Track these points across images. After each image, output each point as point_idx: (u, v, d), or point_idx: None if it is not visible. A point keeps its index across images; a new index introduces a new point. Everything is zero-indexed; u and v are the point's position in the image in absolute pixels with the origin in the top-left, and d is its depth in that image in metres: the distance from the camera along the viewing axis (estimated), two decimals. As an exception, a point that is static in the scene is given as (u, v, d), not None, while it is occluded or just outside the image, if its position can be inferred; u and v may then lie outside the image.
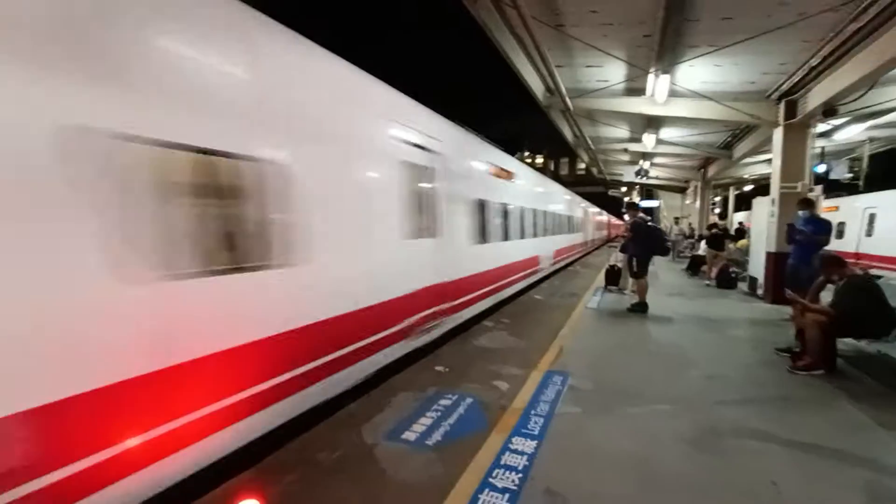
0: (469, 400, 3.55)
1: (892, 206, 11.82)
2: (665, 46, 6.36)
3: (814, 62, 6.39)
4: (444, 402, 3.50)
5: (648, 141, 11.99)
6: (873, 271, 9.94)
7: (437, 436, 2.98)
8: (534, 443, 2.89)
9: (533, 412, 3.34)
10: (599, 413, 3.41)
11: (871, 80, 6.15)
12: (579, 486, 2.48)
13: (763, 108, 8.32)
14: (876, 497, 2.44)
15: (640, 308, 7.14)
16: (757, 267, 8.84)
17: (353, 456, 2.79)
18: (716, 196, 22.70)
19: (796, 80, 7.18)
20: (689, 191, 21.86)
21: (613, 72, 7.89)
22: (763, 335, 5.82)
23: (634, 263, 7.36)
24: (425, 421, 3.17)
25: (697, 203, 19.29)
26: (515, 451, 2.78)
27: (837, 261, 4.55)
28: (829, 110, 7.08)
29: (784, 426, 3.24)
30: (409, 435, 2.99)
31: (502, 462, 2.67)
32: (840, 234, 13.31)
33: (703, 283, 10.63)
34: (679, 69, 7.31)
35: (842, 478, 2.62)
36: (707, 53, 6.48)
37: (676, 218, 18.58)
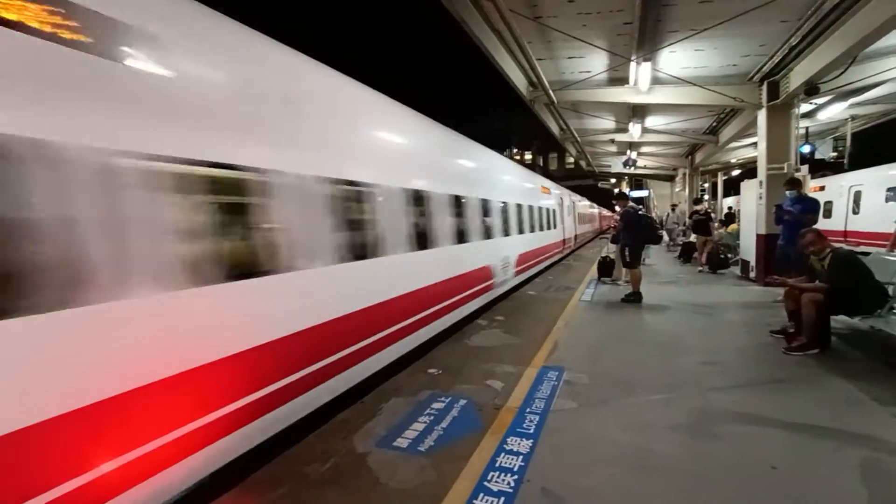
0: (462, 401, 3.47)
1: (876, 184, 11.90)
2: (645, 33, 6.33)
3: (793, 41, 6.39)
4: (437, 405, 3.42)
5: (634, 130, 12.00)
6: (861, 248, 10.01)
7: (430, 440, 2.90)
8: (529, 442, 2.82)
9: (528, 410, 3.28)
10: (595, 406, 3.35)
11: (850, 56, 6.17)
12: (576, 483, 2.41)
13: (746, 90, 8.33)
14: (875, 475, 2.41)
15: (635, 298, 7.10)
16: (748, 250, 8.85)
17: (345, 465, 2.70)
18: (704, 182, 22.79)
19: (777, 60, 7.19)
20: (678, 178, 21.95)
21: (595, 62, 7.86)
22: (757, 318, 5.80)
23: (627, 253, 7.32)
24: (418, 426, 3.09)
25: (686, 190, 19.36)
26: (510, 452, 2.70)
27: (820, 234, 4.54)
28: (810, 89, 7.08)
29: (781, 408, 3.20)
30: (402, 441, 2.90)
31: (497, 464, 2.59)
32: (828, 214, 13.39)
33: (696, 270, 10.64)
34: (661, 56, 7.30)
35: (841, 457, 2.58)
36: (687, 38, 6.46)
37: (673, 205, 18.53)
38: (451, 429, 3.05)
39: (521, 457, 2.65)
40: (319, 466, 2.69)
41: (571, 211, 17.24)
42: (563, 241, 14.67)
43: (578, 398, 3.50)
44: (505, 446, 2.78)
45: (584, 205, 23.93)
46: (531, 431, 2.95)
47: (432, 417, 3.22)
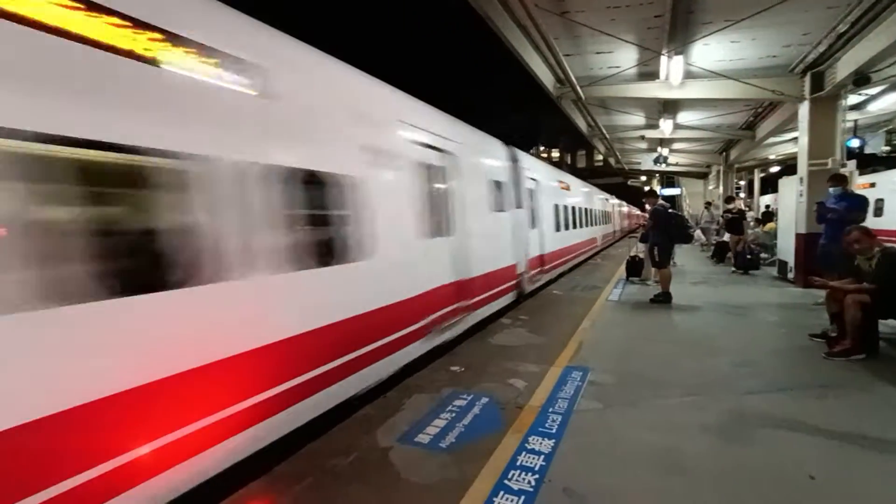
0: (484, 399, 3.46)
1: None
2: (677, 26, 6.11)
3: (841, 28, 6.02)
4: (458, 402, 3.42)
5: (665, 126, 11.63)
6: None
7: (451, 437, 2.91)
8: (551, 441, 2.78)
9: (551, 410, 3.23)
10: (621, 407, 3.28)
11: (906, 43, 5.76)
12: (599, 484, 2.36)
13: (786, 82, 7.92)
14: (928, 491, 2.25)
15: (664, 298, 6.89)
16: (786, 250, 8.44)
17: (368, 460, 2.74)
18: (740, 180, 21.83)
19: (822, 49, 6.80)
20: (711, 175, 21.13)
21: (624, 56, 7.64)
22: (795, 320, 5.53)
23: (656, 252, 7.11)
24: (440, 423, 3.10)
25: (720, 188, 18.61)
26: (532, 451, 2.68)
27: (868, 231, 4.28)
28: (860, 79, 6.66)
29: (821, 414, 3.04)
30: (424, 437, 2.92)
31: (518, 462, 2.57)
32: (878, 212, 12.59)
33: (729, 270, 10.23)
34: (693, 48, 7.03)
35: (888, 469, 2.43)
36: (722, 29, 6.19)
37: (707, 203, 17.81)
38: (472, 426, 3.05)
39: (542, 456, 2.62)
40: (343, 460, 2.74)
41: (530, 199, 8.42)
42: (466, 287, 5.47)
43: (603, 399, 3.43)
44: (526, 445, 2.75)
45: (580, 192, 14.55)
46: (553, 431, 2.91)
47: (454, 414, 3.22)
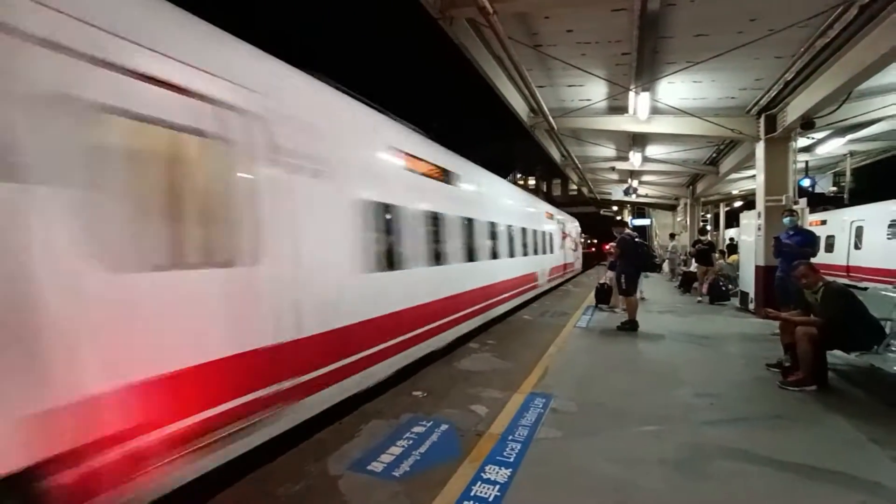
0: (444, 426, 3.36)
1: (878, 219, 11.87)
2: (643, 64, 6.43)
3: (788, 77, 6.48)
4: (417, 429, 3.32)
5: (635, 159, 12.09)
6: (863, 284, 9.90)
7: (406, 465, 2.80)
8: (508, 471, 2.71)
9: (510, 438, 3.16)
10: (581, 436, 3.24)
11: (843, 93, 6.23)
12: (554, 518, 2.30)
13: (744, 122, 8.41)
14: (872, 522, 2.28)
15: (630, 326, 6.99)
16: (747, 281, 8.77)
17: (316, 488, 2.60)
18: (706, 213, 22.80)
19: (773, 94, 7.28)
20: (680, 208, 21.99)
21: (595, 90, 7.97)
22: (754, 351, 5.68)
23: (623, 280, 7.25)
24: (395, 450, 2.98)
25: (687, 220, 19.36)
26: (487, 481, 2.59)
27: (812, 267, 4.49)
28: (806, 123, 7.14)
29: (775, 446, 3.08)
30: (377, 465, 2.80)
31: (472, 493, 2.48)
32: (829, 248, 13.31)
33: (695, 300, 10.52)
34: (659, 86, 7.40)
35: (834, 501, 2.46)
36: (684, 69, 6.56)
37: (672, 234, 18.49)
38: (429, 454, 2.94)
39: (497, 486, 2.54)
40: (291, 487, 2.60)
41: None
42: None
43: (564, 427, 3.38)
44: (482, 475, 2.67)
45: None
46: (511, 460, 2.84)
47: (411, 441, 3.11)
